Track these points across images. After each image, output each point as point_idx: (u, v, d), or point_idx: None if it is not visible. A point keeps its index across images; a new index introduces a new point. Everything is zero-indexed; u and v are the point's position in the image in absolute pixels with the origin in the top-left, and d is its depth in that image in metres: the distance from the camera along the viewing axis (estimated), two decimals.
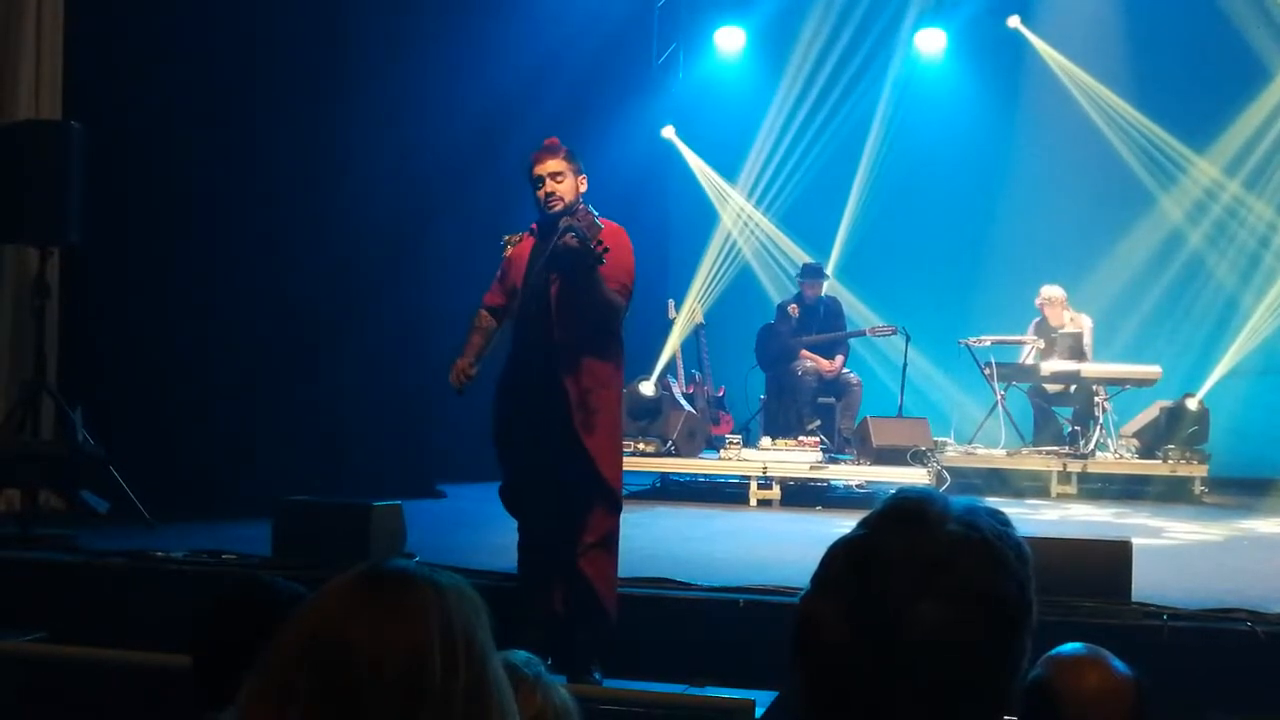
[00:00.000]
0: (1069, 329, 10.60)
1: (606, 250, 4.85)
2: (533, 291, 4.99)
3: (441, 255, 9.10)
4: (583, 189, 5.10)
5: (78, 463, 7.25)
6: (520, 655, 2.03)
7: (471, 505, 6.86)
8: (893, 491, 1.50)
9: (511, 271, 5.17)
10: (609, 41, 11.16)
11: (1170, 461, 9.83)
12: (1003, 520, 1.45)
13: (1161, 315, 11.86)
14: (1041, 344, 10.72)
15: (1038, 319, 10.88)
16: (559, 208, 5.02)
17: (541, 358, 5.01)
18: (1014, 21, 12.40)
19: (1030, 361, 10.68)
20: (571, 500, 5.04)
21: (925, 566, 1.37)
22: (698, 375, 10.85)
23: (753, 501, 9.24)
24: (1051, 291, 10.77)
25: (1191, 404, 10.17)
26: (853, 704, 1.38)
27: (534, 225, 5.20)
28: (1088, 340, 10.67)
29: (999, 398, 10.63)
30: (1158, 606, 5.21)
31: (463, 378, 5.13)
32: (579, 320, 5.01)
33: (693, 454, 9.84)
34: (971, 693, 1.38)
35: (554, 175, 5.03)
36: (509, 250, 5.21)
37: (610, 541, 5.10)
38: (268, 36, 8.33)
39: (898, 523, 1.42)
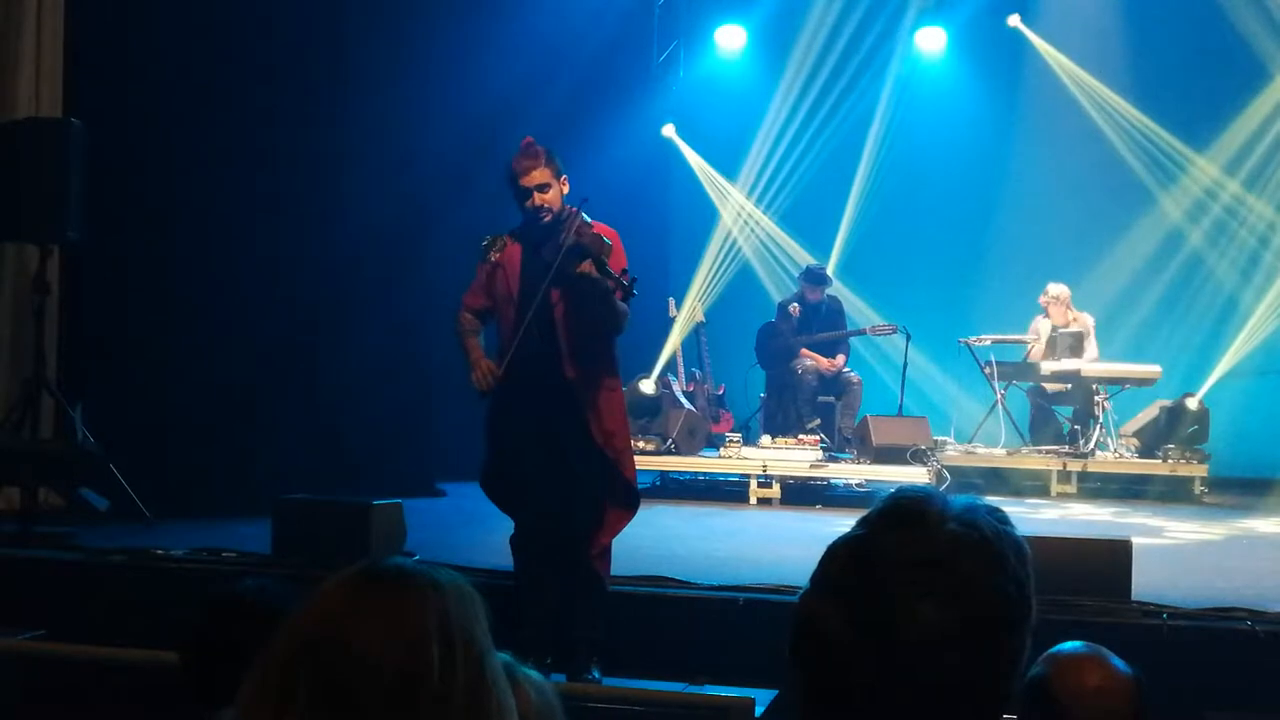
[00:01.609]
0: (1072, 328, 10.59)
1: (635, 280, 4.86)
2: (535, 308, 4.96)
3: (441, 254, 9.08)
4: (565, 190, 5.08)
5: (77, 461, 7.24)
6: (499, 656, 2.02)
7: (471, 504, 6.85)
8: (892, 490, 1.49)
9: (500, 278, 5.12)
10: (609, 40, 11.15)
11: (1170, 461, 9.82)
12: (1002, 518, 1.45)
13: (1161, 314, 11.85)
14: (1042, 342, 10.73)
15: (1040, 315, 10.83)
16: (549, 219, 5.02)
17: (547, 370, 5.01)
18: (1014, 20, 12.38)
19: (1035, 357, 10.63)
20: (590, 503, 5.06)
21: (925, 566, 1.37)
22: (698, 373, 10.85)
23: (752, 500, 9.24)
24: (1057, 289, 10.73)
25: (1191, 403, 10.16)
26: (852, 703, 1.38)
27: (516, 230, 5.18)
28: (1090, 339, 10.66)
29: (999, 397, 10.63)
30: (1157, 605, 5.22)
31: (491, 379, 5.03)
32: (587, 333, 5.03)
33: (693, 452, 9.83)
34: (971, 691, 1.38)
35: (540, 187, 5.00)
36: (494, 255, 5.14)
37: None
38: (268, 35, 8.33)
39: (897, 522, 1.42)
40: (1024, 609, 1.42)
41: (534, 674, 2.02)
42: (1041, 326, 10.80)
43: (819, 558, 1.46)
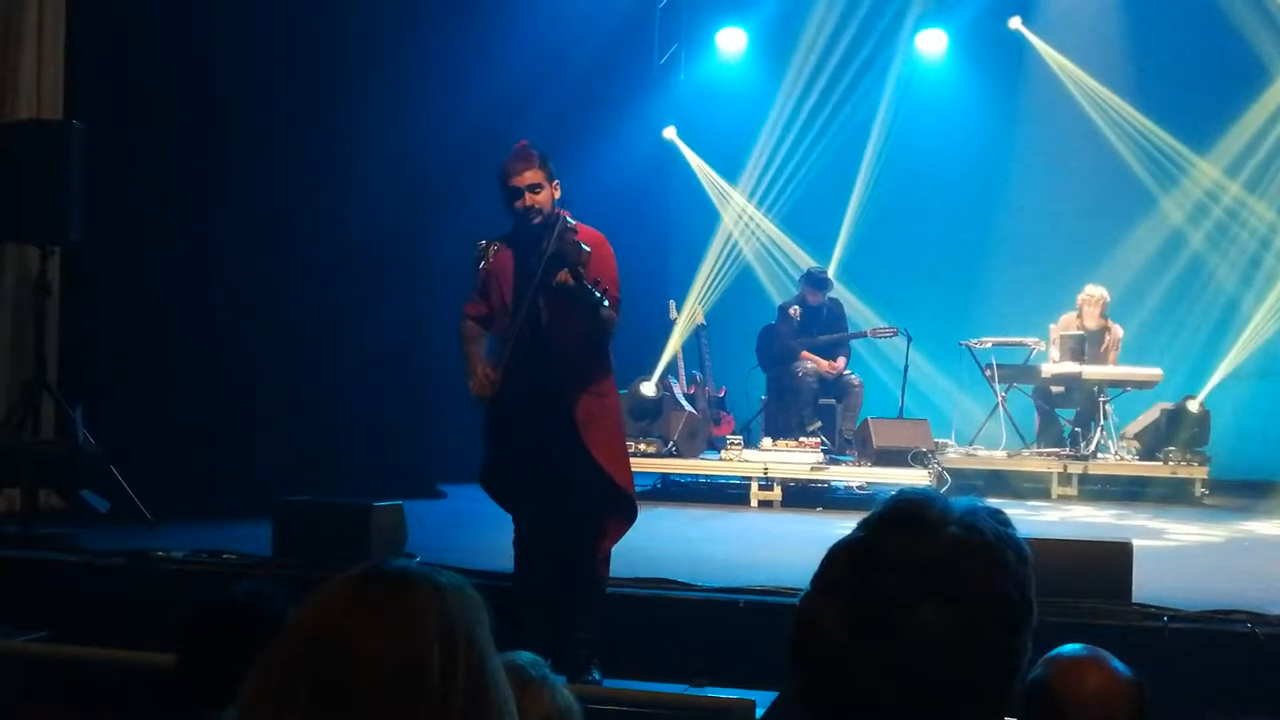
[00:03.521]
0: (1103, 335, 10.56)
1: (606, 291, 4.85)
2: (524, 316, 4.97)
3: (441, 255, 9.10)
4: (557, 195, 5.07)
5: (78, 462, 7.24)
6: (525, 656, 2.04)
7: (472, 505, 6.86)
8: (893, 493, 1.49)
9: (494, 284, 5.12)
10: (610, 42, 11.15)
11: (1171, 463, 9.82)
12: (1003, 520, 1.45)
13: (1162, 317, 11.84)
14: (1043, 345, 10.72)
15: (1070, 313, 10.75)
16: (538, 221, 5.01)
17: (539, 379, 5.01)
18: (1015, 23, 12.38)
19: (1055, 359, 10.58)
20: (589, 511, 5.05)
21: (926, 568, 1.37)
22: (699, 376, 10.84)
23: (753, 502, 9.24)
24: (1093, 290, 10.66)
25: (1192, 406, 10.15)
26: (853, 705, 1.38)
27: (507, 235, 5.17)
28: (1114, 351, 10.61)
29: (1000, 399, 10.63)
30: (1158, 608, 5.21)
31: (489, 386, 5.02)
32: (575, 342, 5.02)
33: (694, 455, 9.83)
34: (972, 693, 1.38)
35: (532, 188, 4.99)
36: (489, 261, 5.14)
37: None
38: (269, 35, 8.33)
39: (898, 524, 1.42)
40: (1025, 611, 1.42)
41: (559, 678, 2.03)
42: (1068, 322, 10.72)
43: (820, 560, 1.46)
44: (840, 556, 1.43)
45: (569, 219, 5.03)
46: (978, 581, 1.38)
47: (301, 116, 8.47)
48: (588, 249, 4.91)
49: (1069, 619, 4.94)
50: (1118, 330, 10.72)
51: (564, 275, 4.83)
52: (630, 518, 5.15)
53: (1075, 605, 5.10)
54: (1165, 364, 10.70)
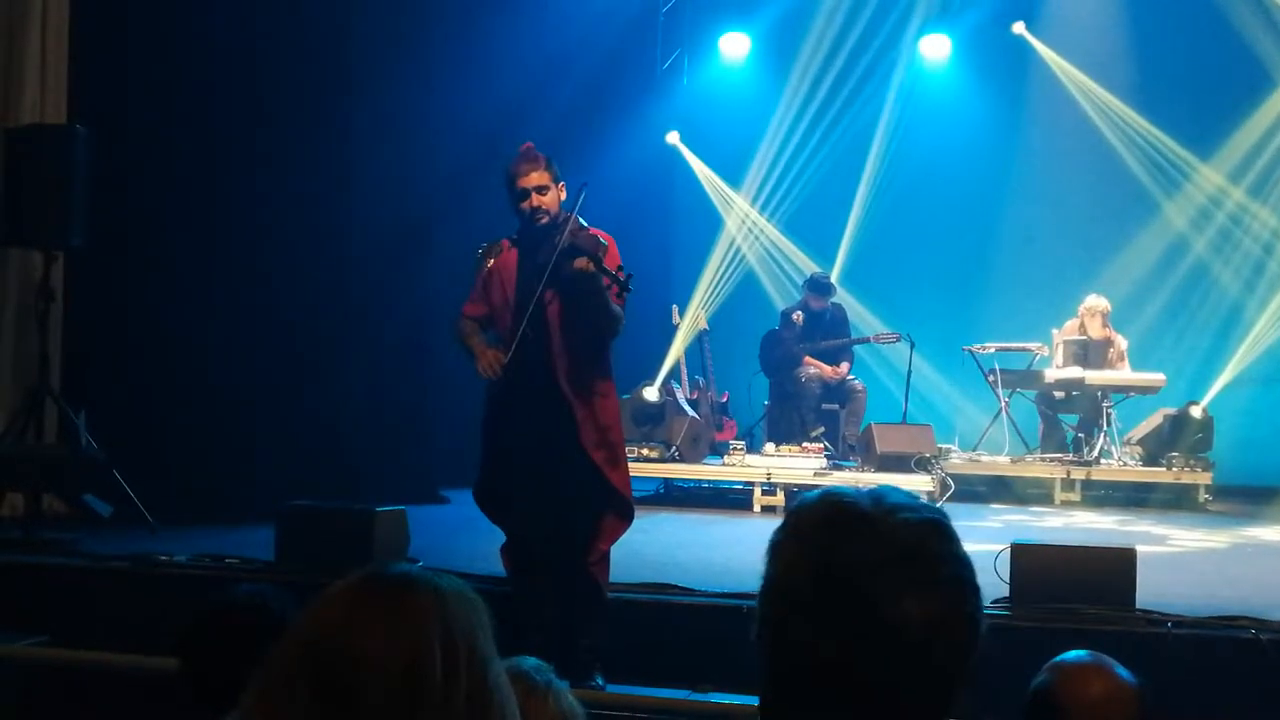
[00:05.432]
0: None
1: (631, 276, 4.85)
2: (530, 311, 4.96)
3: (444, 261, 9.09)
4: (563, 197, 5.08)
5: (81, 466, 7.25)
6: (530, 662, 2.04)
7: (475, 511, 6.84)
8: (793, 510, 1.46)
9: (496, 284, 5.12)
10: (614, 47, 11.15)
11: (1175, 469, 9.80)
12: (914, 495, 1.44)
13: (1166, 322, 11.83)
14: (1046, 350, 10.72)
15: (1071, 319, 10.77)
16: (545, 222, 5.01)
17: (541, 377, 5.00)
18: (1019, 28, 12.39)
19: (1058, 365, 10.57)
20: (585, 512, 5.05)
21: (896, 561, 1.35)
22: (701, 381, 10.84)
23: (756, 508, 9.23)
24: (1093, 302, 10.65)
25: (1196, 412, 10.14)
26: (851, 706, 1.36)
27: (512, 236, 5.18)
28: (1121, 362, 10.59)
29: (1003, 404, 10.63)
30: (1161, 614, 5.20)
31: (498, 365, 4.96)
32: (580, 337, 5.02)
33: (696, 460, 9.83)
34: (960, 675, 1.37)
35: (539, 189, 5.00)
36: (490, 262, 5.15)
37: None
38: (272, 42, 8.34)
39: (849, 530, 1.38)
40: (973, 571, 1.41)
41: (563, 684, 2.04)
42: (1071, 328, 10.72)
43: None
44: (807, 582, 1.38)
45: (581, 219, 5.04)
46: (941, 559, 1.37)
47: (304, 121, 8.48)
48: (604, 241, 4.93)
49: (1073, 625, 4.94)
50: (1121, 342, 10.71)
51: (584, 262, 4.82)
52: (626, 519, 5.13)
53: (1079, 611, 5.10)
54: (1169, 369, 10.69)
